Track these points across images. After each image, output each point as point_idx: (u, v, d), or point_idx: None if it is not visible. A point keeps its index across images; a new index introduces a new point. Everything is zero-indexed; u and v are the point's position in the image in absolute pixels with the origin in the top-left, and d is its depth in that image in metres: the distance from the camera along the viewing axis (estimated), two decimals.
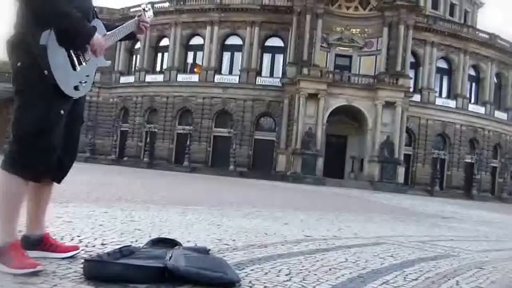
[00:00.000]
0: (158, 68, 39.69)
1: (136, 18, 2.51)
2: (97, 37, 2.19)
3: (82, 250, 2.46)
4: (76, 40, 2.14)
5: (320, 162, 30.70)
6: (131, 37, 2.57)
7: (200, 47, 37.74)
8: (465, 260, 3.63)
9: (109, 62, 2.49)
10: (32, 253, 2.14)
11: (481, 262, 3.61)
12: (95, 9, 2.41)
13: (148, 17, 2.52)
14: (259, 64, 36.57)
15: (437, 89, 36.80)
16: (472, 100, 37.91)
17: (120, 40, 2.52)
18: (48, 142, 2.08)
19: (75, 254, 2.34)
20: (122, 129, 39.89)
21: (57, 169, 2.25)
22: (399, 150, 31.60)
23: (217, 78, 36.80)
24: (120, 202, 5.90)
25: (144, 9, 2.53)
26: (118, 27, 2.44)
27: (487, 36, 38.07)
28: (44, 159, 2.09)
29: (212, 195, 10.46)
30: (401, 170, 31.54)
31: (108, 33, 2.34)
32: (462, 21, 41.71)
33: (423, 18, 35.99)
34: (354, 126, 33.36)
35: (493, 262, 3.69)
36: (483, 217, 11.68)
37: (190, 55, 38.77)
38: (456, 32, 36.79)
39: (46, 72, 2.04)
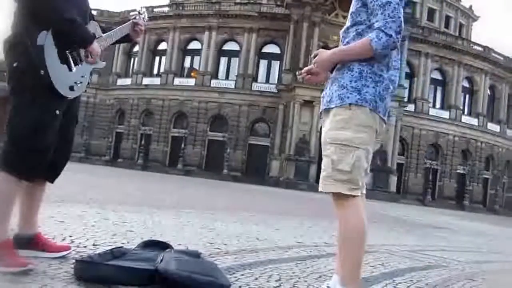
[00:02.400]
0: (155, 71, 39.73)
1: (130, 21, 2.53)
2: (95, 45, 2.21)
3: (73, 250, 2.45)
4: (74, 43, 2.17)
5: (313, 169, 30.73)
6: (128, 41, 2.60)
7: (197, 52, 37.84)
8: (455, 271, 3.64)
9: (104, 63, 2.50)
10: (23, 252, 2.13)
11: (472, 274, 3.61)
12: (92, 11, 2.44)
13: (143, 20, 2.54)
14: (256, 70, 36.69)
15: (431, 100, 37.08)
16: (466, 112, 38.19)
17: (116, 43, 2.54)
18: (43, 142, 2.08)
19: (66, 254, 2.33)
20: (117, 130, 39.80)
21: (51, 168, 2.25)
22: (392, 159, 31.73)
23: (214, 82, 36.87)
24: (113, 203, 5.87)
25: (139, 12, 2.56)
26: (113, 30, 2.46)
27: (481, 49, 38.44)
28: (39, 159, 2.10)
29: (205, 199, 10.44)
30: (393, 179, 31.67)
31: (103, 35, 2.38)
32: (457, 34, 42.11)
33: (419, 30, 36.28)
34: None
35: (483, 274, 3.71)
36: (476, 228, 11.74)
37: (188, 59, 38.84)
38: (451, 44, 37.14)
39: (42, 72, 2.05)
